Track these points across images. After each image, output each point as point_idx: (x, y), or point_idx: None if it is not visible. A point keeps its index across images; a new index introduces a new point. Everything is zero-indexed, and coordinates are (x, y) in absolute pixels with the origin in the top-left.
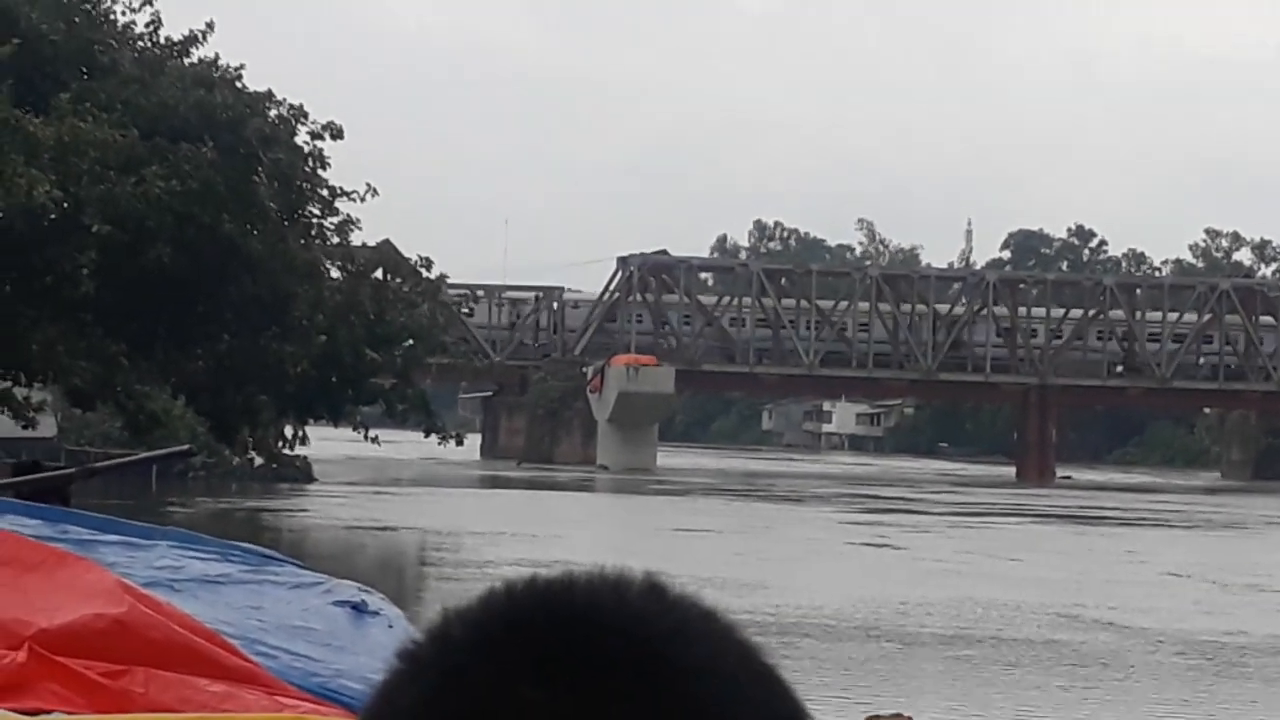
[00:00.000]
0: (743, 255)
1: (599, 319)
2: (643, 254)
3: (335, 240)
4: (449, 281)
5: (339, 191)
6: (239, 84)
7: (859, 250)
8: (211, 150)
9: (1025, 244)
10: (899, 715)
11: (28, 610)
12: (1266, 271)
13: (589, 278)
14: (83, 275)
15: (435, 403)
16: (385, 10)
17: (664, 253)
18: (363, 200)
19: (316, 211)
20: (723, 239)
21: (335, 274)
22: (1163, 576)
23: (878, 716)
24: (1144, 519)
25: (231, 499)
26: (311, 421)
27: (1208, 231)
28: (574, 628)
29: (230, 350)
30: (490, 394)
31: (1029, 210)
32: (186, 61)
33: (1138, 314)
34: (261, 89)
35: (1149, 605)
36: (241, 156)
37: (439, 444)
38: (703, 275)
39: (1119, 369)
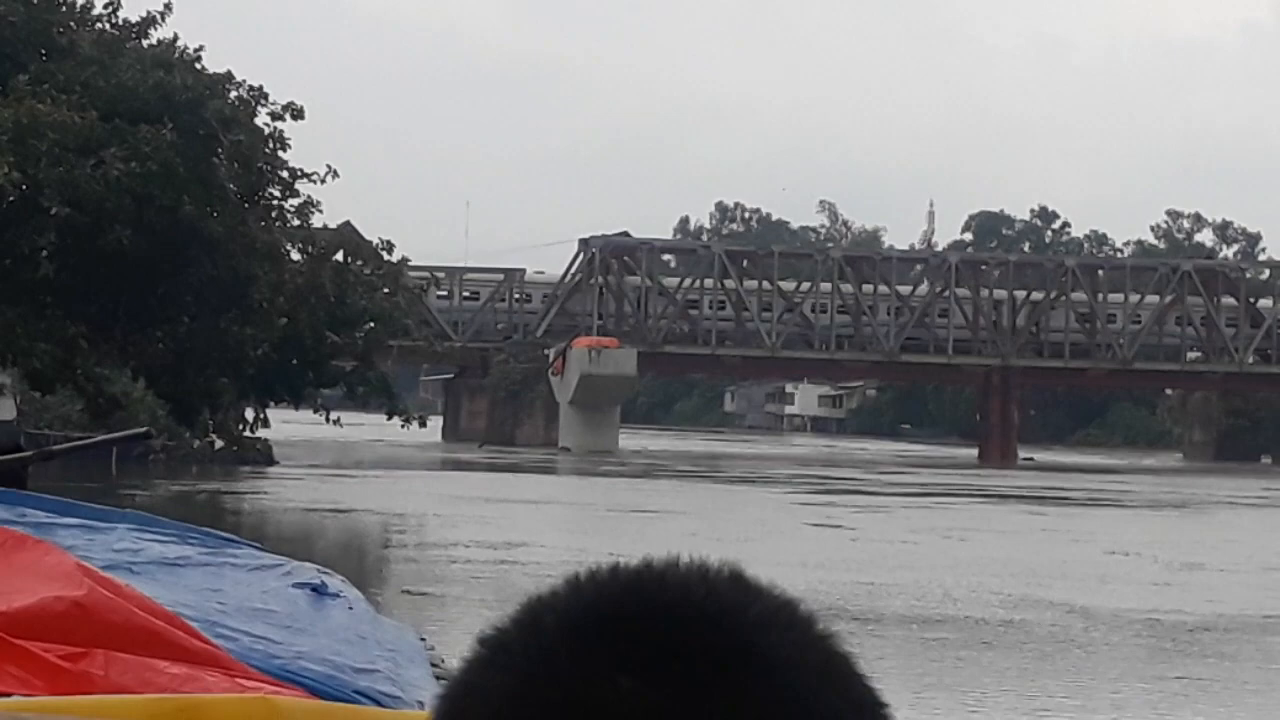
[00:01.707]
0: (705, 237)
1: (560, 301)
2: (604, 236)
3: (296, 222)
4: (410, 264)
5: (299, 173)
6: (198, 65)
7: (821, 232)
8: (171, 132)
9: (987, 225)
10: None
11: None
12: (1228, 253)
13: (551, 259)
14: (42, 257)
15: (396, 385)
16: None
17: (625, 234)
18: (323, 182)
19: (277, 193)
20: (684, 220)
21: (296, 256)
22: (1119, 556)
23: None
24: (1103, 500)
25: (191, 482)
26: (272, 404)
27: (1169, 213)
28: (666, 618)
29: (190, 333)
30: (452, 376)
31: (991, 192)
32: (145, 43)
33: (1099, 295)
34: (221, 70)
35: (1106, 585)
36: (201, 138)
37: (401, 426)
38: (665, 257)
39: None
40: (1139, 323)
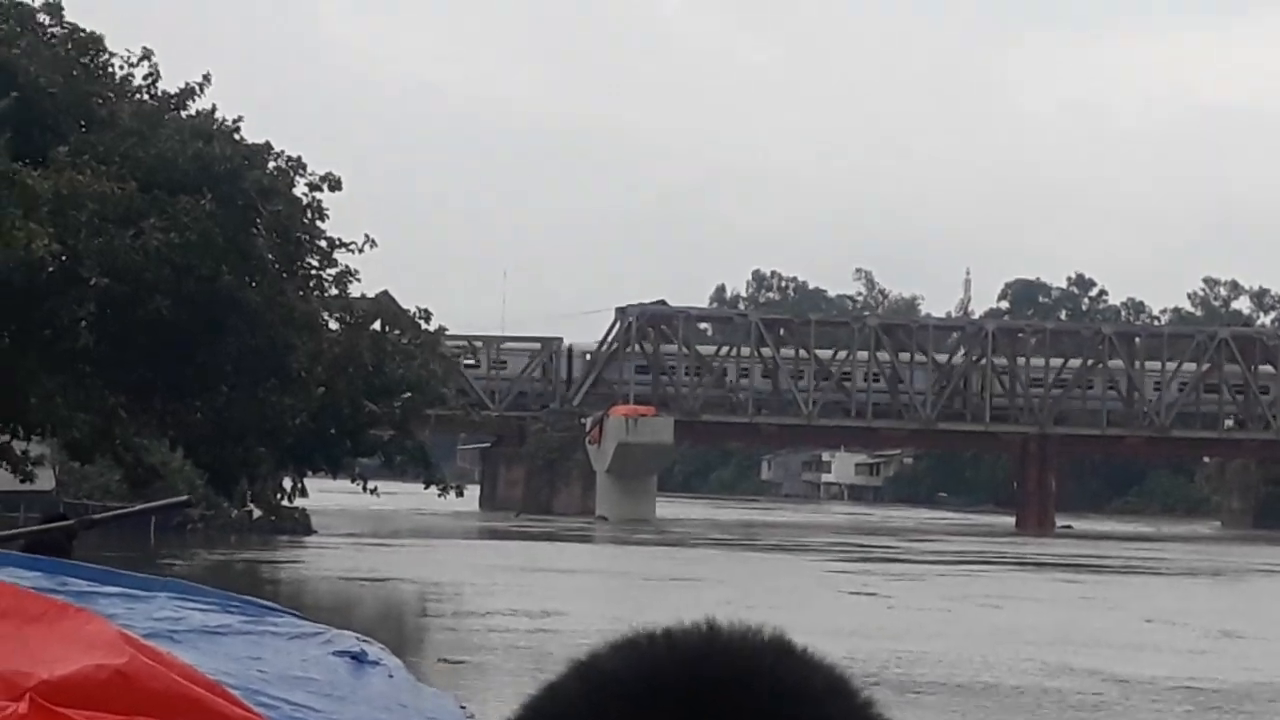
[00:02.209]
0: (741, 305)
1: (597, 369)
2: (641, 304)
3: (334, 292)
4: (447, 333)
5: (337, 243)
6: (237, 136)
7: (858, 300)
8: (210, 202)
9: (1024, 293)
10: None
11: (29, 661)
12: (1265, 320)
13: (588, 328)
14: (81, 327)
15: (434, 454)
16: (385, 62)
17: (662, 303)
18: (361, 251)
19: (315, 263)
20: (721, 289)
21: (334, 325)
22: (1155, 624)
23: None
24: (1140, 568)
25: (230, 551)
26: (310, 473)
27: (1206, 280)
28: (719, 685)
29: (229, 402)
30: (489, 445)
31: (1028, 259)
32: (184, 114)
33: (1137, 363)
34: (260, 141)
35: (1143, 653)
36: (240, 208)
37: (438, 495)
38: (701, 325)
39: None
40: (1177, 391)
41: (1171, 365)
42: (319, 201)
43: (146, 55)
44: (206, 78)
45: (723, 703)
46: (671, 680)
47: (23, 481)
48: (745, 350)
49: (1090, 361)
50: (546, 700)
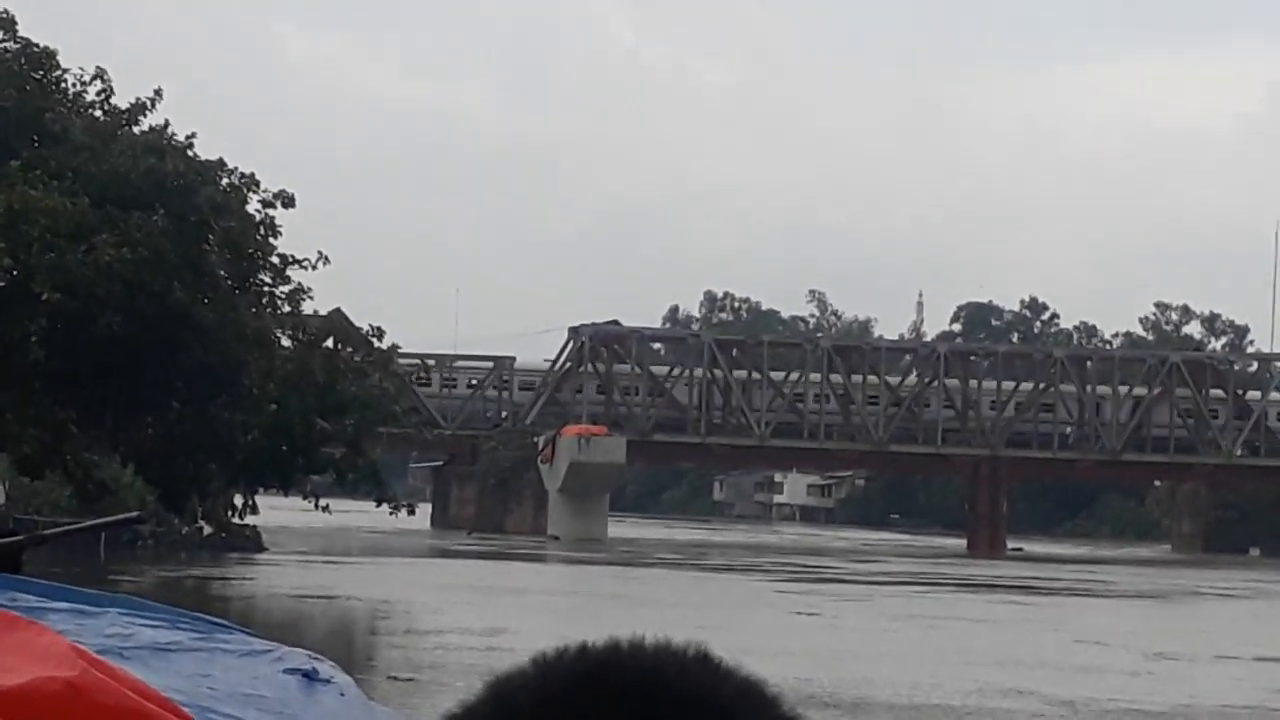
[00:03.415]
0: (694, 326)
1: (550, 389)
2: (594, 324)
3: (286, 309)
4: (400, 351)
5: (290, 259)
6: (190, 152)
7: (811, 322)
8: (162, 218)
9: (976, 316)
10: None
11: None
12: (1216, 345)
13: (541, 348)
14: (32, 343)
15: (386, 472)
16: (340, 80)
17: (615, 323)
18: (314, 268)
19: (268, 280)
20: (674, 309)
21: (286, 343)
22: (1100, 646)
23: None
24: (1087, 590)
25: (181, 568)
26: (261, 490)
27: (1158, 305)
28: (642, 697)
29: (180, 418)
30: (441, 464)
31: (980, 283)
32: (137, 129)
33: (1089, 387)
34: (213, 157)
35: (1089, 674)
36: (192, 224)
37: (390, 513)
38: (654, 345)
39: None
40: (1128, 415)
41: (1123, 389)
42: (272, 218)
43: (99, 74)
44: (158, 93)
45: (625, 714)
46: (575, 694)
47: None
48: (698, 371)
49: (1042, 385)
50: (466, 714)
